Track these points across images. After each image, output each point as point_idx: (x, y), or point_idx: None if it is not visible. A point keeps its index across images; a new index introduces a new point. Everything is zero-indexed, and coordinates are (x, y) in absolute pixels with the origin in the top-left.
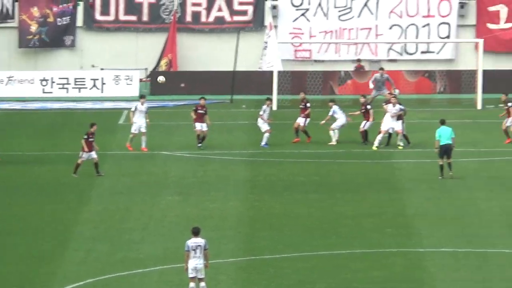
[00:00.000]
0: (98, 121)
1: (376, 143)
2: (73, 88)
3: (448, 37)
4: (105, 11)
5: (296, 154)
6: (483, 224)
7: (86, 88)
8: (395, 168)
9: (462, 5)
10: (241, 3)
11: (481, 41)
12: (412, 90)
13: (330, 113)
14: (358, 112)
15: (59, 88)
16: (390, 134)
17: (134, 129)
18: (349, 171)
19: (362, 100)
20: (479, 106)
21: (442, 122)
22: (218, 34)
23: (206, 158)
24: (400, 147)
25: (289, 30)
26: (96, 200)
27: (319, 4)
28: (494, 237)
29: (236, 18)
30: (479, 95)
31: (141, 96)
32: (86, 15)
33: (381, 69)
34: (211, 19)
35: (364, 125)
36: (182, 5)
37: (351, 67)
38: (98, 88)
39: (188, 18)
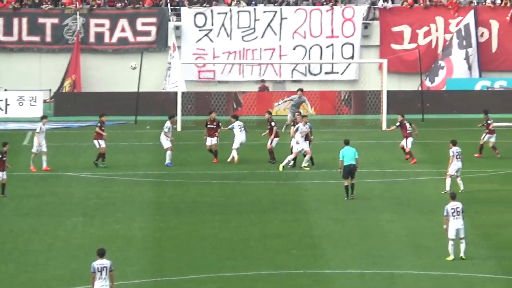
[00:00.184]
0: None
1: (285, 162)
2: None
3: (352, 57)
4: (8, 31)
5: (201, 175)
6: (388, 245)
7: None
8: (301, 189)
9: (366, 26)
10: (144, 24)
11: (385, 62)
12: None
13: (229, 126)
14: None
15: None
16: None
17: (35, 149)
18: (255, 192)
19: (267, 116)
20: (384, 127)
21: (346, 143)
22: (121, 55)
23: (111, 179)
24: (306, 168)
25: (193, 51)
26: (1, 221)
27: (222, 25)
28: (399, 258)
29: (140, 38)
30: (384, 116)
31: (43, 117)
32: None
33: (300, 90)
34: (114, 40)
35: (271, 142)
36: (85, 26)
37: (255, 88)
38: (2, 109)
39: (92, 39)
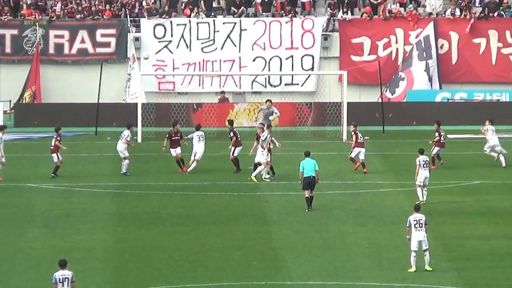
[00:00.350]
0: None
1: (255, 173)
2: None
3: (312, 69)
4: None
5: (161, 186)
6: (351, 257)
7: None
8: (262, 200)
9: (325, 37)
10: (103, 35)
11: (345, 73)
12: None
13: (188, 136)
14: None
15: None
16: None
17: None
18: (215, 203)
19: (229, 127)
20: (344, 138)
21: (307, 154)
22: (81, 66)
23: (72, 190)
24: (266, 180)
25: (152, 62)
26: None
27: (182, 36)
28: (361, 270)
29: (99, 50)
30: (344, 127)
31: (2, 127)
32: None
33: (268, 101)
34: (74, 51)
35: (233, 152)
36: (45, 37)
37: (215, 99)
38: None
39: (51, 50)
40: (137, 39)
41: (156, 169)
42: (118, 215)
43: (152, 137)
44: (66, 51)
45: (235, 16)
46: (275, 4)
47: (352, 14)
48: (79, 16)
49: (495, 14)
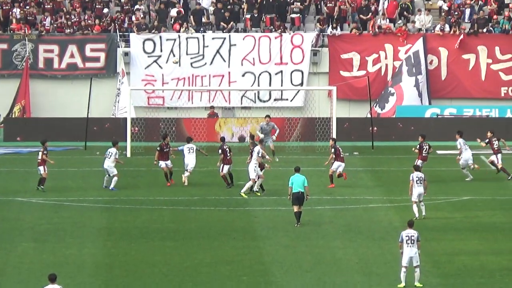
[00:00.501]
0: None
1: (244, 189)
2: None
3: (301, 84)
4: None
5: (151, 201)
6: (340, 272)
7: None
8: (251, 215)
9: (315, 53)
10: (93, 50)
11: (334, 89)
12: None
13: (179, 148)
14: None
15: None
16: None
17: None
18: (205, 218)
19: (221, 143)
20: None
21: (297, 170)
22: (71, 81)
23: (61, 205)
24: (258, 194)
25: (142, 77)
26: None
27: (171, 51)
28: (351, 285)
29: (89, 64)
30: None
31: None
32: None
33: (267, 116)
34: (63, 65)
35: (222, 169)
36: (35, 51)
37: (204, 114)
38: None
39: (41, 64)
40: (126, 54)
41: (145, 183)
42: (108, 230)
43: (141, 152)
44: (55, 65)
45: (224, 31)
46: (264, 20)
47: (341, 29)
48: (68, 30)
49: (485, 30)
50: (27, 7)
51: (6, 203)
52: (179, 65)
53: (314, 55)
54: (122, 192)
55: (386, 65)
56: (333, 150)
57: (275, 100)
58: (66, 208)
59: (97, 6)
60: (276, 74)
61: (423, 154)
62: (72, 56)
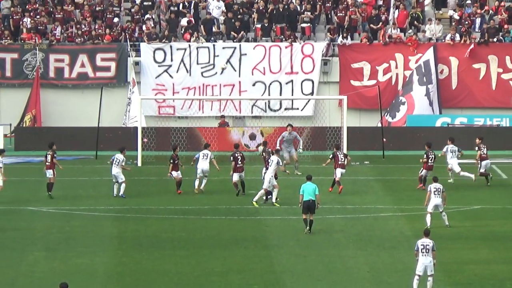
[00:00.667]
0: None
1: (256, 197)
2: None
3: (311, 93)
4: None
5: (162, 210)
6: (351, 281)
7: None
8: (262, 224)
9: (325, 62)
10: (103, 59)
11: (345, 98)
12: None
13: (195, 157)
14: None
15: None
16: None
17: None
18: (216, 227)
19: (234, 150)
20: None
21: (308, 178)
22: (81, 90)
23: (72, 214)
24: (277, 204)
25: (152, 86)
26: None
27: (182, 61)
28: None
29: (99, 74)
30: (345, 150)
31: (1, 151)
32: None
33: (289, 125)
34: (74, 75)
35: (232, 176)
36: (45, 61)
37: (215, 123)
38: None
39: (51, 74)
40: (137, 63)
41: (156, 192)
42: (119, 239)
43: (152, 161)
44: (66, 75)
45: (234, 40)
46: (274, 29)
47: (352, 39)
48: (79, 40)
49: (495, 39)
50: (38, 16)
51: (17, 212)
52: (190, 73)
53: (325, 65)
54: (133, 201)
55: (397, 74)
56: (331, 156)
57: (285, 109)
58: (77, 217)
59: (107, 16)
60: (286, 83)
61: (429, 164)
62: (82, 65)
